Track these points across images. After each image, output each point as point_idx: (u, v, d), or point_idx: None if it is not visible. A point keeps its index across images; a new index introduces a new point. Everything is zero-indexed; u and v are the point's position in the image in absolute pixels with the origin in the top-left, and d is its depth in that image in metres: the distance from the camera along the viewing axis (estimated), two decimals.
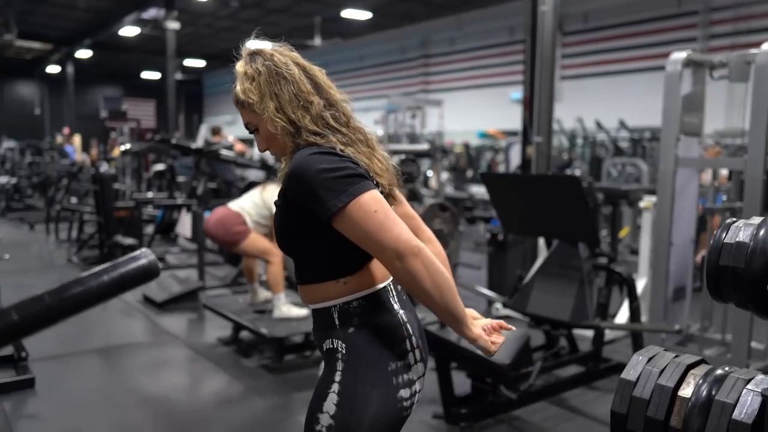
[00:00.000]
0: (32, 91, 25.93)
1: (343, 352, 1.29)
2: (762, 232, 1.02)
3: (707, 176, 5.23)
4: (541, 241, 4.71)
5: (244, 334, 4.32)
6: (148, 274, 2.36)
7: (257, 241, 4.02)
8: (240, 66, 1.34)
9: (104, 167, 7.49)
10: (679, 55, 3.62)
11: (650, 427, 1.09)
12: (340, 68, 20.21)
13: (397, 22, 16.88)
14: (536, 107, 5.27)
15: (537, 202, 3.68)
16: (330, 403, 1.25)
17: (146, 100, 19.90)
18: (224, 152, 6.85)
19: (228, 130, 11.94)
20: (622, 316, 4.30)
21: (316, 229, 1.27)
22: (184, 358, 4.14)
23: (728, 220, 1.08)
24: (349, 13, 15.26)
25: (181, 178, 8.83)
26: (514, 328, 1.40)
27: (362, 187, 1.21)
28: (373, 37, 18.51)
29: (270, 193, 4.10)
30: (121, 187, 9.98)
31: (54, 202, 9.35)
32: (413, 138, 12.11)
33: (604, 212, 7.18)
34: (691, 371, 1.11)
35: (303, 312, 3.99)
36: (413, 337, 1.33)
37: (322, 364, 1.36)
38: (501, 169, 11.95)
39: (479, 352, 1.31)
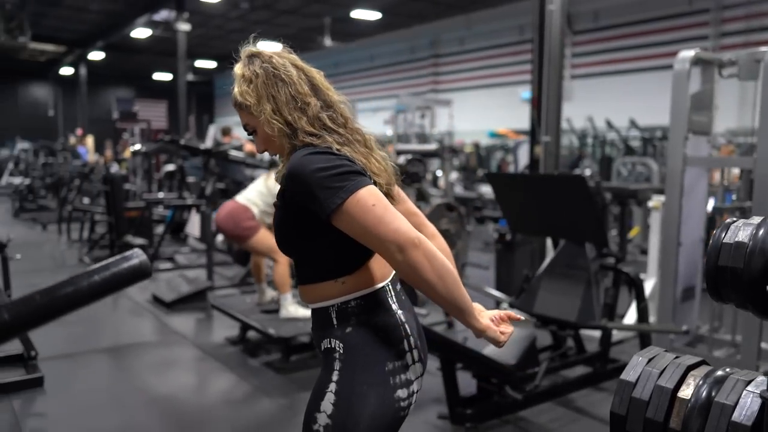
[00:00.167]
0: (46, 93, 26.22)
1: (341, 351, 1.29)
2: (761, 232, 1.00)
3: (718, 175, 5.18)
4: (549, 241, 4.69)
5: (252, 334, 4.34)
6: (139, 273, 2.36)
7: (267, 238, 4.05)
8: (238, 68, 1.34)
9: (114, 168, 7.55)
10: (688, 53, 3.58)
11: (649, 429, 1.08)
12: (350, 68, 20.26)
13: (407, 22, 16.87)
14: (544, 106, 5.25)
15: (543, 202, 3.66)
16: (327, 403, 1.25)
17: (158, 101, 20.09)
18: (233, 153, 6.88)
19: (238, 131, 11.97)
20: (631, 316, 4.27)
21: (315, 229, 1.27)
22: (192, 357, 4.17)
23: (728, 220, 1.07)
24: (358, 14, 15.28)
25: (191, 179, 8.87)
26: (522, 317, 1.39)
27: (359, 183, 1.21)
28: (383, 37, 18.52)
29: (274, 180, 4.12)
30: (132, 188, 10.05)
31: (66, 203, 9.43)
32: (423, 138, 12.09)
33: (613, 212, 7.14)
34: (691, 372, 1.10)
35: (309, 312, 4.00)
36: (411, 337, 1.33)
37: None
38: (511, 168, 11.90)
39: (487, 349, 1.31)
